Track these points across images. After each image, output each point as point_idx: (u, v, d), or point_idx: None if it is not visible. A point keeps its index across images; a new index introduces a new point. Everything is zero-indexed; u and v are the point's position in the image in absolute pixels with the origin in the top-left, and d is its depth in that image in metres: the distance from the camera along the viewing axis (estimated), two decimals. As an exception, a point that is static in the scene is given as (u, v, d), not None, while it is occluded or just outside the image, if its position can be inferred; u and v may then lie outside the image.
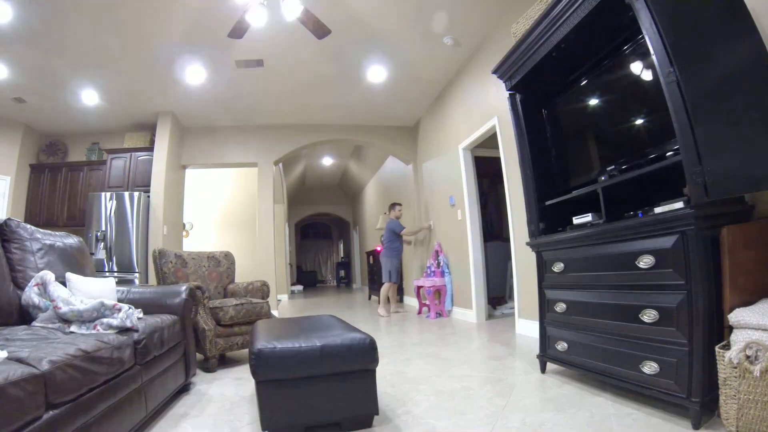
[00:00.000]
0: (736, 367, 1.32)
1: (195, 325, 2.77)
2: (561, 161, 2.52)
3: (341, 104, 5.68)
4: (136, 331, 1.76)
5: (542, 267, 2.36)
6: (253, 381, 1.66)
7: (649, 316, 1.64)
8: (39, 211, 5.54)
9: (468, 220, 4.63)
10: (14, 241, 1.99)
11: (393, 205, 5.98)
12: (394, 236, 5.74)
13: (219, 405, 2.10)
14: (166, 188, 5.41)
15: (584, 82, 2.29)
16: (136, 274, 5.00)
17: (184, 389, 2.36)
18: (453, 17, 3.77)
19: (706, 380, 1.46)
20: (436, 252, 5.38)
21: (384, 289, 5.70)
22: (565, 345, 2.16)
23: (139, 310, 2.01)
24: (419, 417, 1.80)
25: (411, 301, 6.66)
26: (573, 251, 2.11)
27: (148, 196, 5.33)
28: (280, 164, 7.51)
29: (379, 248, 7.89)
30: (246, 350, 3.14)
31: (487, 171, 5.28)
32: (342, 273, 16.17)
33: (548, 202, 2.41)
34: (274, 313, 5.66)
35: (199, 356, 2.85)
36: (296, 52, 4.22)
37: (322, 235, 17.82)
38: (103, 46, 3.86)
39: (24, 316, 1.83)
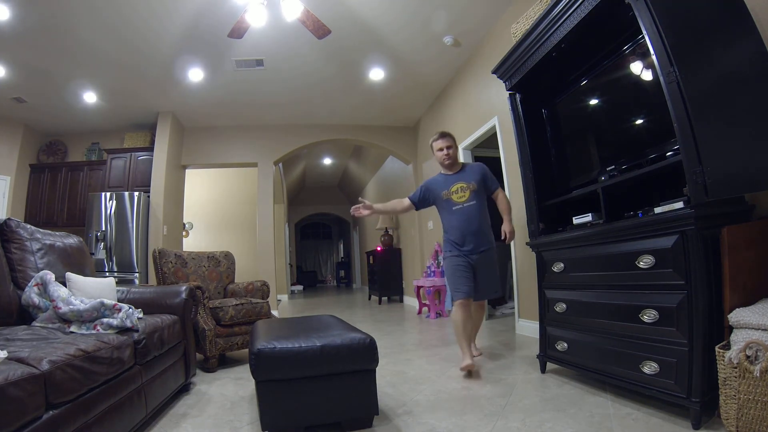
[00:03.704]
0: (736, 367, 1.32)
1: (195, 325, 2.77)
2: (561, 161, 2.51)
3: (341, 104, 5.68)
4: (136, 331, 1.76)
5: (542, 267, 2.36)
6: (253, 381, 1.66)
7: (649, 316, 1.64)
8: (39, 211, 5.54)
9: (468, 220, 4.62)
10: (14, 241, 1.98)
11: (444, 136, 2.81)
12: (485, 196, 2.78)
13: (219, 405, 2.10)
14: (166, 188, 5.41)
15: (584, 82, 2.29)
16: (136, 274, 5.00)
17: (184, 389, 2.36)
18: (453, 17, 3.77)
19: (706, 380, 1.46)
20: (436, 252, 5.38)
21: (482, 310, 2.93)
22: (565, 345, 2.16)
23: (139, 310, 2.01)
24: (419, 417, 1.79)
25: (411, 301, 6.65)
26: (573, 251, 2.11)
27: (148, 196, 5.33)
28: (280, 164, 7.50)
29: (379, 248, 7.74)
30: (246, 350, 3.14)
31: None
32: (342, 273, 16.17)
33: (548, 202, 2.41)
34: (274, 313, 5.66)
35: (199, 356, 2.85)
36: (296, 52, 4.22)
37: (322, 235, 17.81)
38: (103, 45, 3.86)
39: (24, 316, 1.83)
